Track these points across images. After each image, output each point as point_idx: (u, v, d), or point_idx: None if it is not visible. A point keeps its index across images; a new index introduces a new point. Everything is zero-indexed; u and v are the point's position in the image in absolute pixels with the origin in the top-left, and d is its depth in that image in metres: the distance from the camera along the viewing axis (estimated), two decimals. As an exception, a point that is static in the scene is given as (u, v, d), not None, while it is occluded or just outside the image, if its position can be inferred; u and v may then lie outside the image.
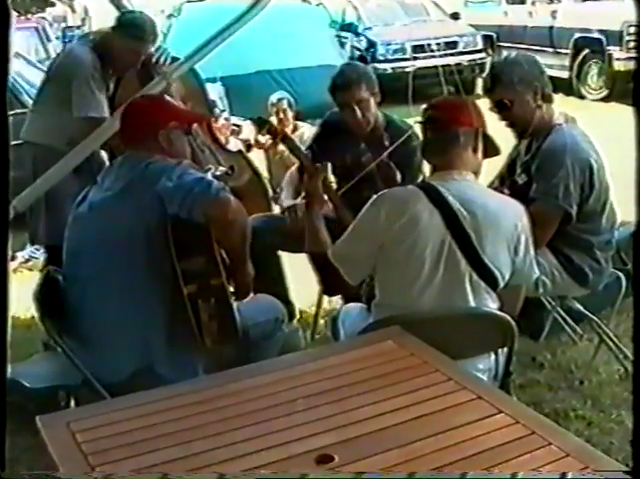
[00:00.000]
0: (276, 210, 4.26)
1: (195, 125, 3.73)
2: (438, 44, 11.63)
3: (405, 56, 11.91)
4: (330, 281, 3.72)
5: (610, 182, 3.47)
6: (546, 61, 3.69)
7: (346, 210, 3.50)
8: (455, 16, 13.56)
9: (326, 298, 4.27)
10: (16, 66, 6.91)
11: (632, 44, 10.22)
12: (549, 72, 3.75)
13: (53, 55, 10.39)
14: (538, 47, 11.40)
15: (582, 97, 11.26)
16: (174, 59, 4.34)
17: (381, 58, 12.21)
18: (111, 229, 2.77)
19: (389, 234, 2.65)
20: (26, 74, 6.97)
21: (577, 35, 11.31)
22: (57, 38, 13.94)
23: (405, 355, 2.29)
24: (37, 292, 2.84)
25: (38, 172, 4.08)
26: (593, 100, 11.14)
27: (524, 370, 3.69)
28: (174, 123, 2.93)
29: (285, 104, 7.78)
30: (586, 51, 11.22)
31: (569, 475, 1.65)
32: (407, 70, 10.69)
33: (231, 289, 2.86)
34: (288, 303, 3.92)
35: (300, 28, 10.53)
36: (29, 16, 14.96)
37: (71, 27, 16.98)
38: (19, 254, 5.86)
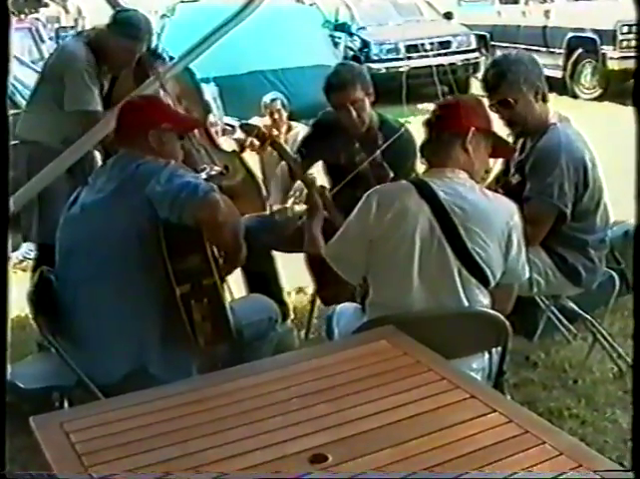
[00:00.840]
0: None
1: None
2: (431, 44, 11.60)
3: (398, 56, 11.95)
4: (327, 291, 3.71)
5: (603, 180, 3.48)
6: (540, 60, 3.67)
7: (337, 212, 3.50)
8: (448, 16, 13.55)
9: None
10: (9, 66, 6.87)
11: (625, 43, 10.25)
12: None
13: (46, 56, 10.35)
14: (532, 46, 11.40)
15: (576, 96, 11.27)
16: (170, 58, 4.33)
17: (374, 58, 12.22)
18: (103, 230, 2.77)
19: (379, 228, 2.66)
20: (19, 75, 6.95)
21: (571, 34, 11.33)
22: (50, 39, 13.88)
23: (399, 355, 2.29)
24: (31, 293, 2.84)
25: (32, 171, 4.05)
26: (587, 99, 11.17)
27: (518, 369, 3.68)
28: (167, 124, 2.93)
29: (279, 104, 7.77)
30: (580, 50, 11.24)
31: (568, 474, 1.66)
32: (400, 70, 10.69)
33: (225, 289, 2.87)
34: (282, 303, 3.92)
35: (293, 28, 10.54)
36: (22, 17, 14.91)
37: (64, 27, 16.91)
38: (13, 255, 5.83)
